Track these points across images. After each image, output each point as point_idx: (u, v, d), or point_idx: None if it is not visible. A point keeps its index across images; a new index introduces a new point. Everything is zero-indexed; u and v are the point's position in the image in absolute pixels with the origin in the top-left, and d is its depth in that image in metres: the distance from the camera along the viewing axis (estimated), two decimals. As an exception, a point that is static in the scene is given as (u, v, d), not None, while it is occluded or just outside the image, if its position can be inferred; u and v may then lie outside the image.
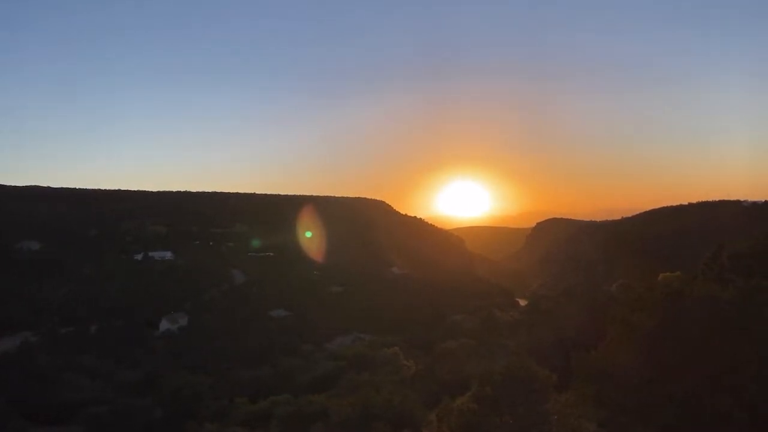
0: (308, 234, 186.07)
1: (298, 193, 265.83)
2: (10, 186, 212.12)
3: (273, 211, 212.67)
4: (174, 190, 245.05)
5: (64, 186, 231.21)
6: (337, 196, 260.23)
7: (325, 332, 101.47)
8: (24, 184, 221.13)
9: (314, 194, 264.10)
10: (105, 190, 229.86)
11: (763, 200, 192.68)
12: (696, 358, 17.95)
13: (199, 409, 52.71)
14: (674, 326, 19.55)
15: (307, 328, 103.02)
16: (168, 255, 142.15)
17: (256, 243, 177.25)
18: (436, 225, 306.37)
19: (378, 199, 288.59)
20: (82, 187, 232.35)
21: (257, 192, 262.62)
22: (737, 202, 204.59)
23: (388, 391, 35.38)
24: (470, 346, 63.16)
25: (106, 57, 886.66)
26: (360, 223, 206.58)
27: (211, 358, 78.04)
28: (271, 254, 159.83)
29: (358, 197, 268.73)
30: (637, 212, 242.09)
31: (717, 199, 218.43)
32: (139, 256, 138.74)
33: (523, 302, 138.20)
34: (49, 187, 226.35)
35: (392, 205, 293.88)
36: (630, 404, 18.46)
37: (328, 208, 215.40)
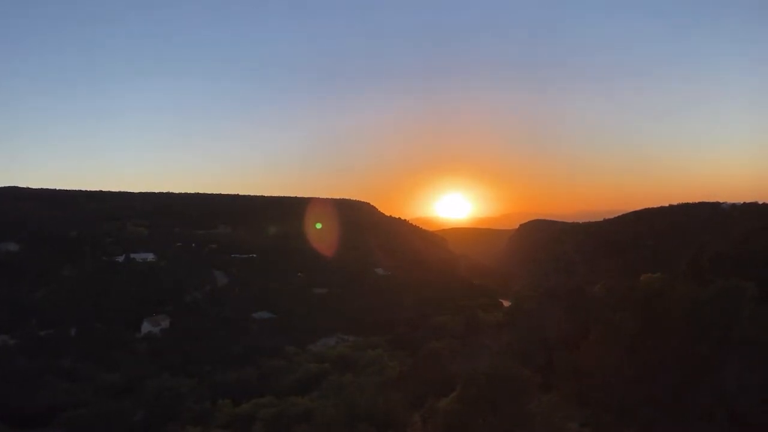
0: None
1: (282, 195, 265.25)
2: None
3: (256, 213, 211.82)
4: (156, 191, 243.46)
5: (44, 186, 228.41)
6: (321, 197, 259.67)
7: (309, 334, 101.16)
8: (2, 185, 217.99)
9: (298, 195, 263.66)
10: (85, 190, 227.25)
11: (742, 202, 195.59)
12: (677, 357, 18.14)
13: (181, 411, 52.30)
14: (656, 326, 19.74)
15: (291, 330, 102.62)
16: (150, 256, 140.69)
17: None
18: (419, 226, 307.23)
19: (362, 200, 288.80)
20: (62, 188, 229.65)
21: (240, 193, 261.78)
22: (716, 204, 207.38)
23: (372, 393, 35.35)
24: (454, 347, 63.34)
25: (90, 53, 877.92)
26: (344, 224, 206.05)
27: (193, 361, 77.45)
28: (254, 256, 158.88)
29: (342, 198, 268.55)
30: (619, 213, 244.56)
31: (697, 201, 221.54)
32: (120, 258, 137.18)
33: (506, 303, 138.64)
34: (28, 188, 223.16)
35: (376, 207, 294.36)
36: (612, 403, 18.60)
37: (312, 209, 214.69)
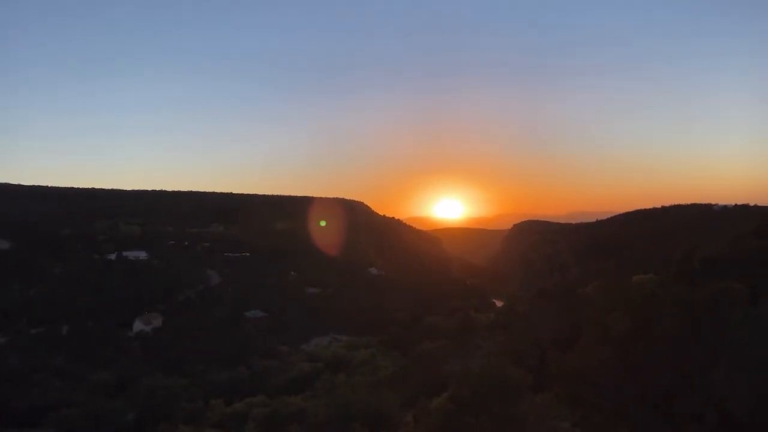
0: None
1: (276, 194, 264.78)
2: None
3: (249, 211, 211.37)
4: (149, 189, 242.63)
5: (36, 184, 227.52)
6: (315, 196, 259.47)
7: (302, 333, 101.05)
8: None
9: (292, 194, 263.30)
10: (78, 188, 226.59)
11: (734, 204, 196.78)
12: (669, 358, 18.25)
13: (173, 410, 52.13)
14: (647, 327, 19.85)
15: (284, 329, 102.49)
16: (142, 255, 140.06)
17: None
18: (414, 226, 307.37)
19: (357, 200, 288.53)
20: (54, 185, 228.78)
21: (233, 192, 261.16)
22: (708, 206, 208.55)
23: (365, 392, 35.33)
24: (447, 347, 63.35)
25: (85, 51, 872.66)
26: (339, 223, 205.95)
27: (185, 360, 77.20)
28: (248, 255, 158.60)
29: (337, 198, 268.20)
30: (612, 215, 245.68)
31: (689, 203, 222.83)
32: (112, 256, 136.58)
33: (499, 303, 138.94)
34: (20, 185, 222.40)
35: (371, 206, 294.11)
36: (605, 404, 18.70)
37: (306, 208, 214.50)
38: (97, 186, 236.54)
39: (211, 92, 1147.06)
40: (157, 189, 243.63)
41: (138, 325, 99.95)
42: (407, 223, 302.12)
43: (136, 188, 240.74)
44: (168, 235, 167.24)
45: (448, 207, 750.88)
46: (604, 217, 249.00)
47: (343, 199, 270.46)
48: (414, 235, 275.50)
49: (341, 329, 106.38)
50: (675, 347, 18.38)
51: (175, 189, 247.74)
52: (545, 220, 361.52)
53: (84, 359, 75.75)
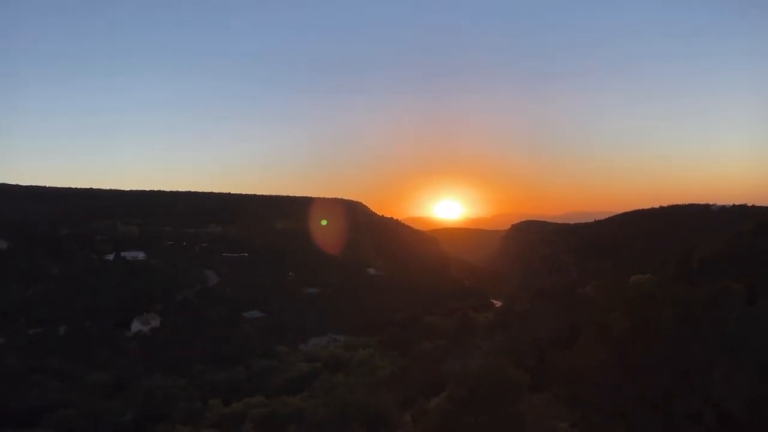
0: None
1: (274, 194, 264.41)
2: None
3: (248, 212, 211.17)
4: (147, 189, 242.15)
5: (34, 184, 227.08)
6: (313, 196, 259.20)
7: (300, 333, 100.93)
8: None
9: (290, 195, 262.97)
10: (76, 188, 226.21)
11: (732, 204, 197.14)
12: (667, 358, 18.23)
13: (171, 411, 52.07)
14: (646, 327, 19.82)
15: (282, 330, 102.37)
16: (140, 255, 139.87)
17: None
18: (412, 226, 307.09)
19: (355, 200, 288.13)
20: (52, 185, 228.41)
21: (232, 192, 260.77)
22: (706, 206, 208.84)
23: (364, 393, 35.31)
24: (445, 347, 63.31)
25: (84, 50, 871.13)
26: (337, 223, 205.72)
27: (183, 360, 77.09)
28: (246, 255, 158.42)
29: (337, 198, 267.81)
30: (610, 215, 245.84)
31: (687, 203, 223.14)
32: (110, 256, 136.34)
33: (498, 303, 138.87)
34: (18, 185, 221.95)
35: (370, 207, 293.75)
36: (603, 404, 18.68)
37: (305, 208, 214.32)
38: (95, 186, 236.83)
39: (211, 92, 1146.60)
40: (156, 189, 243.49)
41: (136, 326, 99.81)
42: (406, 224, 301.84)
43: (134, 188, 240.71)
44: (166, 235, 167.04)
45: (446, 207, 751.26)
46: (603, 218, 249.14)
47: (342, 199, 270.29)
48: (413, 236, 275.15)
49: (340, 329, 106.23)
50: (674, 347, 18.36)
51: (174, 189, 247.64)
52: (543, 220, 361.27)
53: (82, 359, 75.61)
